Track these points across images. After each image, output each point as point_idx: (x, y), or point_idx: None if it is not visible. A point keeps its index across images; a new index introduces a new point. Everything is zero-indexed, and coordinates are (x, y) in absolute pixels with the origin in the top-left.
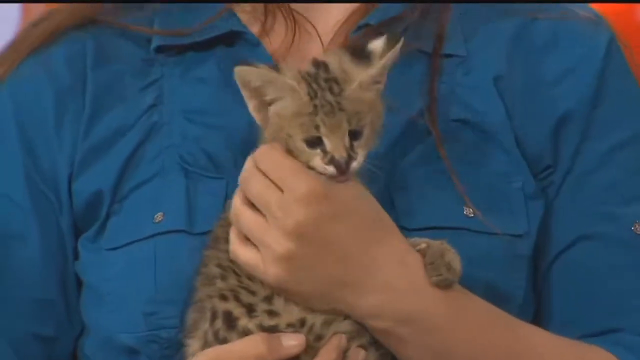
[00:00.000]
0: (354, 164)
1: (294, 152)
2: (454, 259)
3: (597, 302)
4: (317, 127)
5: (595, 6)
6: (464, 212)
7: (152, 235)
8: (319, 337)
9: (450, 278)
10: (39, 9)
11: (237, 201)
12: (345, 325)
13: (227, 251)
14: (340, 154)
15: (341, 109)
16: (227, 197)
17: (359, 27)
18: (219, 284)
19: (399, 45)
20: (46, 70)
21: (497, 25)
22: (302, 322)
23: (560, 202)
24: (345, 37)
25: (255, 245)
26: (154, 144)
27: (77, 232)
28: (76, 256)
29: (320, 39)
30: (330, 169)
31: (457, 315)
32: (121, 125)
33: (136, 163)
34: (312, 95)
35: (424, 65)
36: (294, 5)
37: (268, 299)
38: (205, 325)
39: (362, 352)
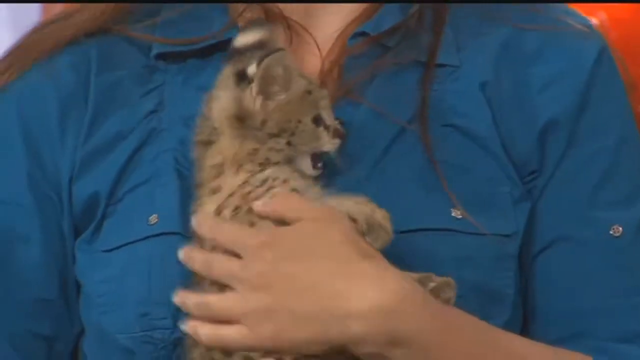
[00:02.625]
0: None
1: (301, 142)
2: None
3: (572, 304)
4: (316, 104)
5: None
6: (452, 214)
7: (147, 237)
8: None
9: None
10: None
11: (197, 296)
12: None
13: None
14: (336, 124)
15: (318, 87)
16: None
17: (356, 35)
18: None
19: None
20: (51, 77)
21: (487, 34)
22: None
23: (541, 204)
24: (342, 46)
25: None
26: (151, 148)
27: (77, 235)
28: (75, 259)
29: (319, 48)
30: (336, 141)
31: (448, 333)
32: (121, 130)
33: (133, 167)
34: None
35: (417, 74)
36: (293, 14)
37: None
38: None
39: None
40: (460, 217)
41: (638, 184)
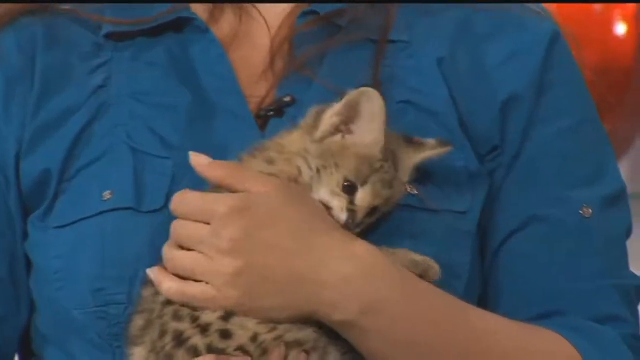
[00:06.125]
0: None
1: (321, 180)
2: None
3: (544, 284)
4: (365, 179)
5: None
6: (408, 190)
7: (100, 213)
8: (265, 351)
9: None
10: None
11: (165, 247)
12: (302, 335)
13: None
14: (359, 214)
15: (390, 187)
16: (174, 176)
17: (305, 14)
18: (173, 305)
19: (445, 150)
20: None
21: (438, 14)
22: (254, 338)
23: (508, 185)
24: (292, 24)
25: (200, 281)
26: (102, 123)
27: (26, 212)
28: (25, 236)
29: (268, 26)
30: (344, 217)
31: (417, 302)
32: (69, 105)
33: (84, 142)
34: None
35: (368, 51)
36: None
37: (224, 318)
38: (152, 335)
39: (302, 355)
40: (415, 192)
41: (596, 164)
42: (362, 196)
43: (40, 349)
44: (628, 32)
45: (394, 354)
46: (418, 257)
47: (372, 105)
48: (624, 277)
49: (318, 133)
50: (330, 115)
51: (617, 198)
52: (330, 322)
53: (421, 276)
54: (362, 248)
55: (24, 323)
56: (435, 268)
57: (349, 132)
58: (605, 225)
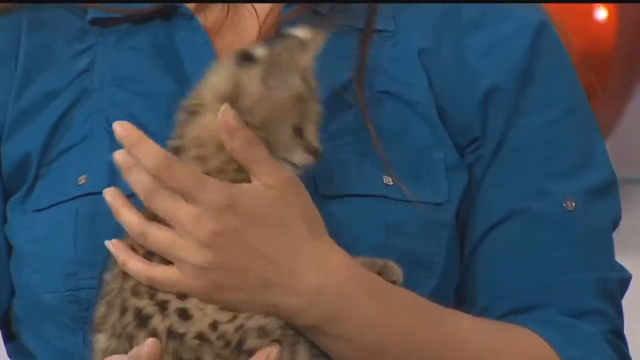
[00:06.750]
0: None
1: (274, 144)
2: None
3: (524, 278)
4: (304, 116)
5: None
6: (384, 181)
7: (75, 197)
8: (228, 344)
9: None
10: None
11: (134, 218)
12: (266, 322)
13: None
14: (316, 142)
15: (315, 99)
16: None
17: (291, 3)
18: (132, 280)
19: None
20: None
21: (424, 4)
22: (214, 327)
23: (490, 177)
24: (278, 13)
25: (169, 262)
26: (83, 108)
27: (7, 196)
28: (5, 220)
29: (257, 14)
30: (310, 159)
31: (388, 312)
32: (52, 89)
33: (65, 127)
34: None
35: (351, 40)
36: None
37: (181, 296)
38: (113, 317)
39: (275, 349)
40: (391, 183)
41: (584, 154)
42: (312, 124)
43: (18, 331)
44: (609, 17)
45: (363, 359)
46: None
47: (286, 55)
48: (607, 269)
49: (249, 103)
50: (256, 81)
51: (605, 189)
52: (296, 325)
53: (380, 274)
54: (337, 260)
55: (5, 306)
56: (394, 268)
57: (273, 85)
58: (589, 217)
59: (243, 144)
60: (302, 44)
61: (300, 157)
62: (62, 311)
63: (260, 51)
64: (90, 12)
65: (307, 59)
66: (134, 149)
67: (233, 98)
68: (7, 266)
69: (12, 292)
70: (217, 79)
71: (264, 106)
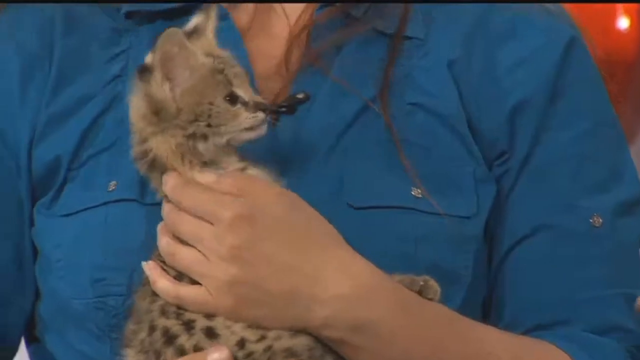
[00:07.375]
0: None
1: (219, 123)
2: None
3: (550, 293)
4: (230, 82)
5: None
6: (412, 193)
7: (104, 203)
8: None
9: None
10: None
11: (165, 240)
12: (295, 343)
13: None
14: (257, 98)
15: (232, 65)
16: None
17: (323, 6)
18: (160, 300)
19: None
20: (14, 39)
21: (456, 10)
22: (242, 345)
23: (518, 191)
24: (310, 15)
25: (196, 282)
26: (115, 113)
27: (36, 199)
28: (32, 223)
29: (287, 17)
30: (261, 115)
31: (414, 323)
32: (85, 94)
33: (96, 132)
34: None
35: (382, 47)
36: None
37: (208, 316)
38: (142, 335)
39: None
40: (420, 196)
41: (613, 169)
42: (239, 88)
43: (42, 334)
44: (631, 25)
45: None
46: (416, 277)
47: (172, 46)
48: (633, 286)
49: (172, 106)
50: (161, 85)
51: (633, 205)
52: (321, 337)
53: (419, 293)
54: (360, 267)
55: (29, 308)
56: (434, 287)
57: (180, 78)
58: (616, 234)
59: (231, 180)
60: (195, 29)
61: (249, 118)
62: (89, 318)
63: (149, 58)
64: (124, 6)
65: (206, 38)
66: None
67: (154, 111)
68: (33, 270)
69: (37, 296)
70: (135, 101)
71: (185, 99)
